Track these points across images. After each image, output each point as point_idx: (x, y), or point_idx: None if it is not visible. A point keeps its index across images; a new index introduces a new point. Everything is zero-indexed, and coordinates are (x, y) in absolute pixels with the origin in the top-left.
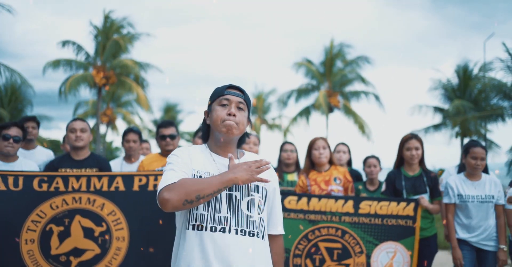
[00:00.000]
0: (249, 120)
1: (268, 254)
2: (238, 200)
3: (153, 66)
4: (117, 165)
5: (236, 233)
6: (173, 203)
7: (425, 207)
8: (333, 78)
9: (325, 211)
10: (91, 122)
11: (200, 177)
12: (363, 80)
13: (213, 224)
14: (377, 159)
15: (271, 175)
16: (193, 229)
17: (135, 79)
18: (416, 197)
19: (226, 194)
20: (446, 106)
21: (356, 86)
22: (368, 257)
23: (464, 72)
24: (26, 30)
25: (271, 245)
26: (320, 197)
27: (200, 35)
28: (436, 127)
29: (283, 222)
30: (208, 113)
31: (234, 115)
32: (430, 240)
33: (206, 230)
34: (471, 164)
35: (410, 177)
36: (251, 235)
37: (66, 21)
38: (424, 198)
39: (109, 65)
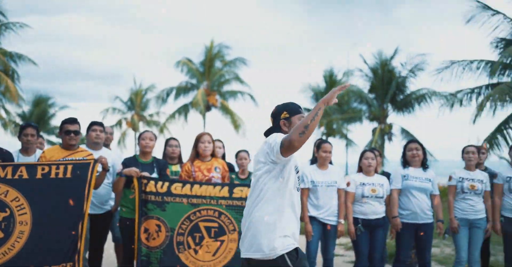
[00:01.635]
0: None
1: None
2: None
3: (25, 57)
4: (13, 157)
5: None
6: (293, 141)
7: None
8: (212, 78)
9: (205, 196)
10: None
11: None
12: (240, 80)
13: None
14: (247, 152)
15: None
16: (297, 190)
17: (5, 71)
18: None
19: None
20: None
21: (233, 86)
22: (240, 234)
23: (330, 78)
24: None
25: None
26: (201, 183)
27: (78, 27)
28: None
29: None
30: (285, 122)
31: None
32: None
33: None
34: (322, 156)
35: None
36: None
37: None
38: None
39: None
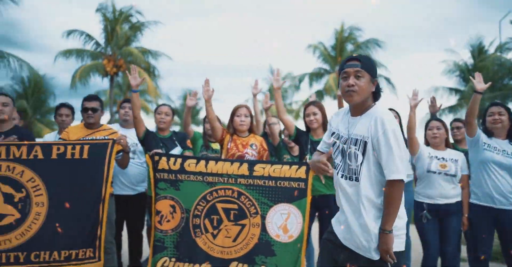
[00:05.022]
0: (373, 80)
1: (362, 194)
2: (345, 151)
3: (162, 54)
4: (51, 138)
5: (341, 176)
6: None
7: None
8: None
9: (222, 173)
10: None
11: (334, 133)
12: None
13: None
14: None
15: (374, 127)
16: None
17: (146, 68)
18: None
19: (341, 147)
20: (462, 87)
21: None
22: (263, 218)
23: (479, 52)
24: (31, 19)
25: (385, 189)
26: (216, 160)
27: (212, 24)
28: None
29: (185, 184)
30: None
31: (353, 85)
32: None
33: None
34: None
35: (315, 140)
36: (350, 179)
37: (71, 10)
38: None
39: (119, 53)
